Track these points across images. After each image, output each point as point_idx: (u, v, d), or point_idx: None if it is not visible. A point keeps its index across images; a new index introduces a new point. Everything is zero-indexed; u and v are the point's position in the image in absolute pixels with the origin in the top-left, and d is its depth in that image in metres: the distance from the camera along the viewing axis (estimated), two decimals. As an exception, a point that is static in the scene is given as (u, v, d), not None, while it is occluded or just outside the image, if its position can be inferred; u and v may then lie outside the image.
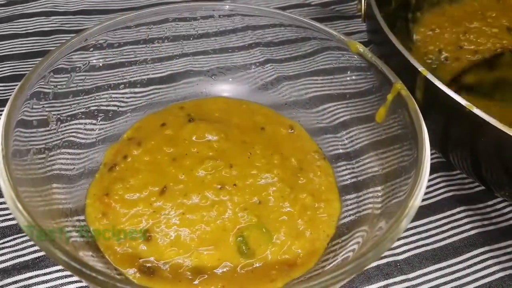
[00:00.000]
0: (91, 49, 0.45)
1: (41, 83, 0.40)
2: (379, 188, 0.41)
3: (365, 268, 0.29)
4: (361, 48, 0.44)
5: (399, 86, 0.39)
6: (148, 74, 0.52)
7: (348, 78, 0.49)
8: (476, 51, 0.57)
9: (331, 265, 0.37)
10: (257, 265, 0.38)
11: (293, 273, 0.38)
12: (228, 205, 0.41)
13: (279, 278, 0.38)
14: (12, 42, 0.61)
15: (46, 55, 0.41)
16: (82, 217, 0.40)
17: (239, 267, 0.38)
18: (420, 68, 0.40)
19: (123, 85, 0.50)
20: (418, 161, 0.33)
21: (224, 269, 0.38)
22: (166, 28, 0.52)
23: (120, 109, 0.49)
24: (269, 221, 0.40)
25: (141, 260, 0.38)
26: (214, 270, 0.37)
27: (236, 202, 0.41)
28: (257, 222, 0.40)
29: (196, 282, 0.37)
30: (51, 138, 0.41)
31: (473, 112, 0.36)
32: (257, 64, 0.54)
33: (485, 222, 0.46)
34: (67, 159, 0.43)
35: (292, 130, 0.50)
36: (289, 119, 0.51)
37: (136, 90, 0.51)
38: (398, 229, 0.29)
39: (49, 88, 0.41)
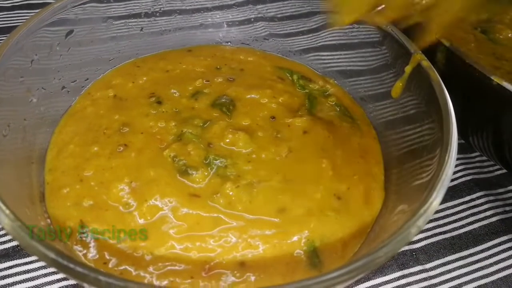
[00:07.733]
0: (75, 20, 0.41)
1: (19, 56, 0.36)
2: (394, 171, 0.37)
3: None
4: (375, 17, 0.40)
5: (419, 56, 0.36)
6: (140, 50, 0.48)
7: (358, 54, 0.45)
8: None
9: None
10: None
11: None
12: None
13: None
14: (-4, 16, 0.57)
15: (20, 25, 0.36)
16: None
17: None
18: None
19: (113, 60, 0.46)
20: (444, 138, 0.29)
21: None
22: (160, 2, 0.48)
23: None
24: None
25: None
26: None
27: None
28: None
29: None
30: (31, 114, 0.37)
31: (502, 86, 0.33)
32: (260, 39, 0.50)
33: (507, 208, 0.42)
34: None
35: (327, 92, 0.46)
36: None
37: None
38: (431, 207, 0.26)
39: (28, 61, 0.37)
